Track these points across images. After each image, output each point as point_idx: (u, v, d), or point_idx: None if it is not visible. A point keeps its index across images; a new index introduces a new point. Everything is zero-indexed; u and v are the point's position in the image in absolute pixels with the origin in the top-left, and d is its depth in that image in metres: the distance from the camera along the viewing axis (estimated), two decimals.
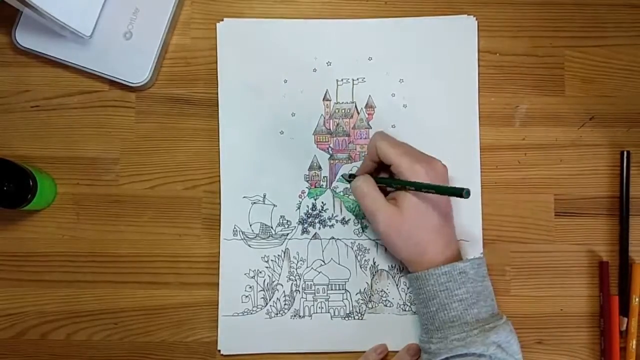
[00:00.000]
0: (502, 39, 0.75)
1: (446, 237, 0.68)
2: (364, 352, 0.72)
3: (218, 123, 0.74)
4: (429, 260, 0.67)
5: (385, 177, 0.70)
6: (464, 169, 0.74)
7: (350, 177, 0.72)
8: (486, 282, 0.67)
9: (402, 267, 0.74)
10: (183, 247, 0.74)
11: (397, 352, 0.72)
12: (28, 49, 0.73)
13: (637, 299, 0.72)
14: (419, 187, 0.65)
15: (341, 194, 0.74)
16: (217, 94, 0.74)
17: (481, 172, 0.74)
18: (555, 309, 0.74)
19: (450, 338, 0.64)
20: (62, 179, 0.74)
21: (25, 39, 0.73)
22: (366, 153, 0.71)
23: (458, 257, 0.69)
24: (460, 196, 0.62)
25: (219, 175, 0.74)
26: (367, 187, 0.68)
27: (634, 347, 0.72)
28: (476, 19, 0.75)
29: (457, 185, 0.64)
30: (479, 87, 0.74)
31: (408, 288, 0.73)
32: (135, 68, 0.73)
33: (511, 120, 0.75)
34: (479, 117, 0.74)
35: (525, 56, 0.75)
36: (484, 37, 0.75)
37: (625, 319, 0.72)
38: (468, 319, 0.65)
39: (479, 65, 0.74)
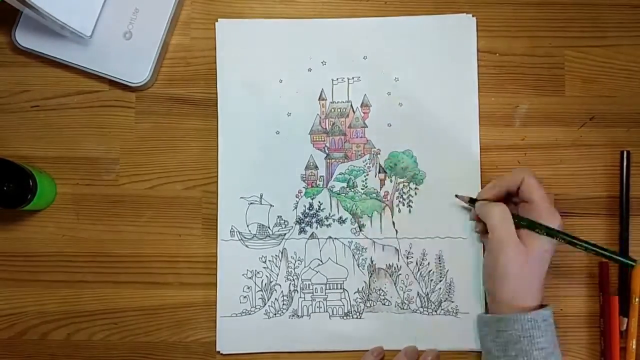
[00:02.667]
0: (501, 39, 0.75)
1: (543, 286, 0.67)
2: (362, 351, 0.72)
3: (217, 123, 0.74)
4: (520, 305, 0.65)
5: (522, 216, 0.67)
6: (464, 169, 0.74)
7: (471, 202, 0.71)
8: (556, 332, 0.66)
9: (400, 266, 0.74)
10: (183, 247, 0.74)
11: (395, 350, 0.72)
12: (28, 49, 0.73)
13: (637, 299, 0.72)
14: (571, 241, 0.66)
15: (338, 193, 0.74)
16: (217, 94, 0.74)
17: (481, 172, 0.74)
18: (555, 309, 0.73)
19: None
20: (62, 179, 0.74)
21: (25, 39, 0.73)
22: (498, 180, 0.69)
23: (540, 304, 0.67)
24: (628, 265, 0.64)
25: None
26: (505, 218, 0.66)
27: (634, 347, 0.72)
28: (475, 18, 0.74)
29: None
30: (478, 87, 0.74)
31: (480, 331, 0.70)
32: (135, 68, 0.73)
33: (511, 120, 0.75)
34: (479, 117, 0.74)
35: (525, 56, 0.75)
36: (484, 37, 0.75)
37: (625, 319, 0.72)
38: None
39: (478, 65, 0.74)
